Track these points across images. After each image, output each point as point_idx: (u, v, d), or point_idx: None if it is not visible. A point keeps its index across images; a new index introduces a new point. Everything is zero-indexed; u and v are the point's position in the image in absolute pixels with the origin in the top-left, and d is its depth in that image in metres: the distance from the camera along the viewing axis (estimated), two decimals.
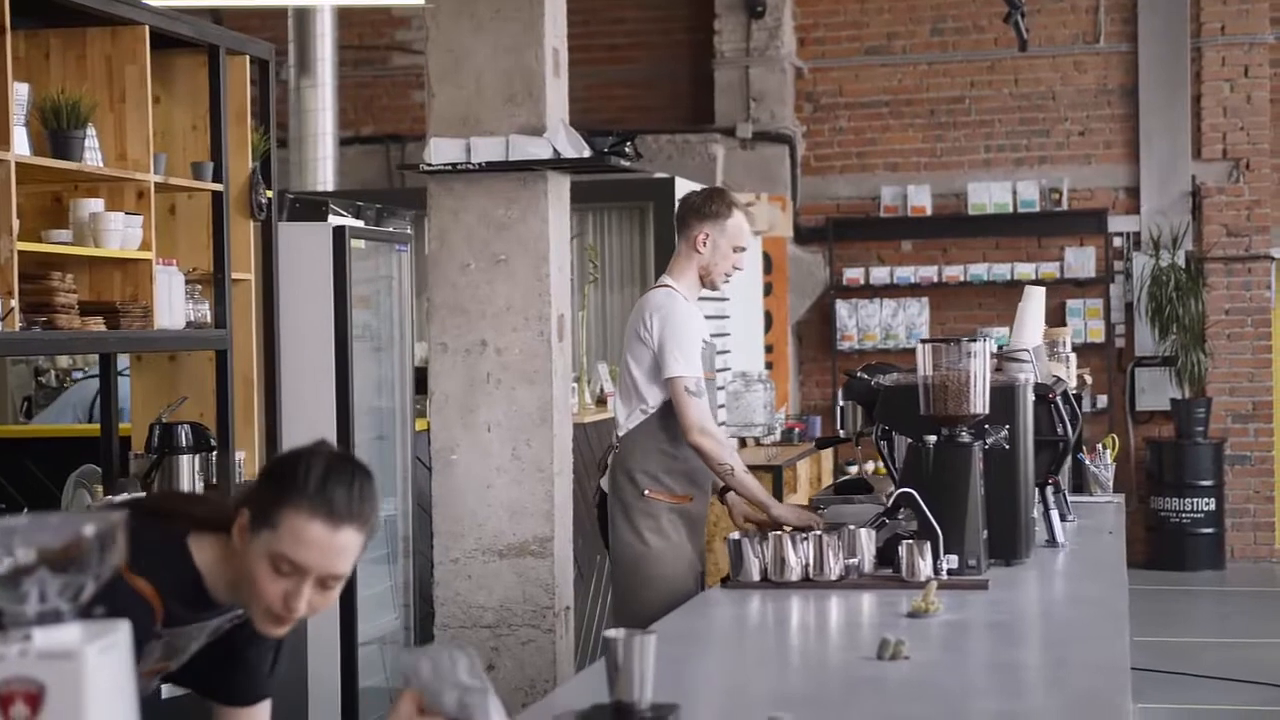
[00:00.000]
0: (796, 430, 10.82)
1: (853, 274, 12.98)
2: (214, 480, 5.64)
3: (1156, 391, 12.63)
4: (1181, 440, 12.38)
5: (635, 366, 5.29)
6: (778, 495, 8.89)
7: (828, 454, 11.10)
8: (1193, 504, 12.28)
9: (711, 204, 5.38)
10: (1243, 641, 9.96)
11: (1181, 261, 12.42)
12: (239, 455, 5.80)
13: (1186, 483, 12.30)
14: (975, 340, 4.38)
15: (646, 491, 5.25)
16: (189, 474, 5.43)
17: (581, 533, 6.67)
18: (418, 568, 6.92)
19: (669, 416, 5.22)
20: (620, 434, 5.37)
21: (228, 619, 2.80)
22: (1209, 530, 12.33)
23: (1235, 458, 12.61)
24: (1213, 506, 12.31)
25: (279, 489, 2.59)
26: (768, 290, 12.37)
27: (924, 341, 4.42)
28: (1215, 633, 10.47)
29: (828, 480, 10.98)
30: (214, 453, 5.62)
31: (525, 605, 5.92)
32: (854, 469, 12.18)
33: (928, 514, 4.23)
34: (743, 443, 10.36)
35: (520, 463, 6.04)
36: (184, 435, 5.43)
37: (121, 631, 1.76)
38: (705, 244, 5.34)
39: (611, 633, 2.71)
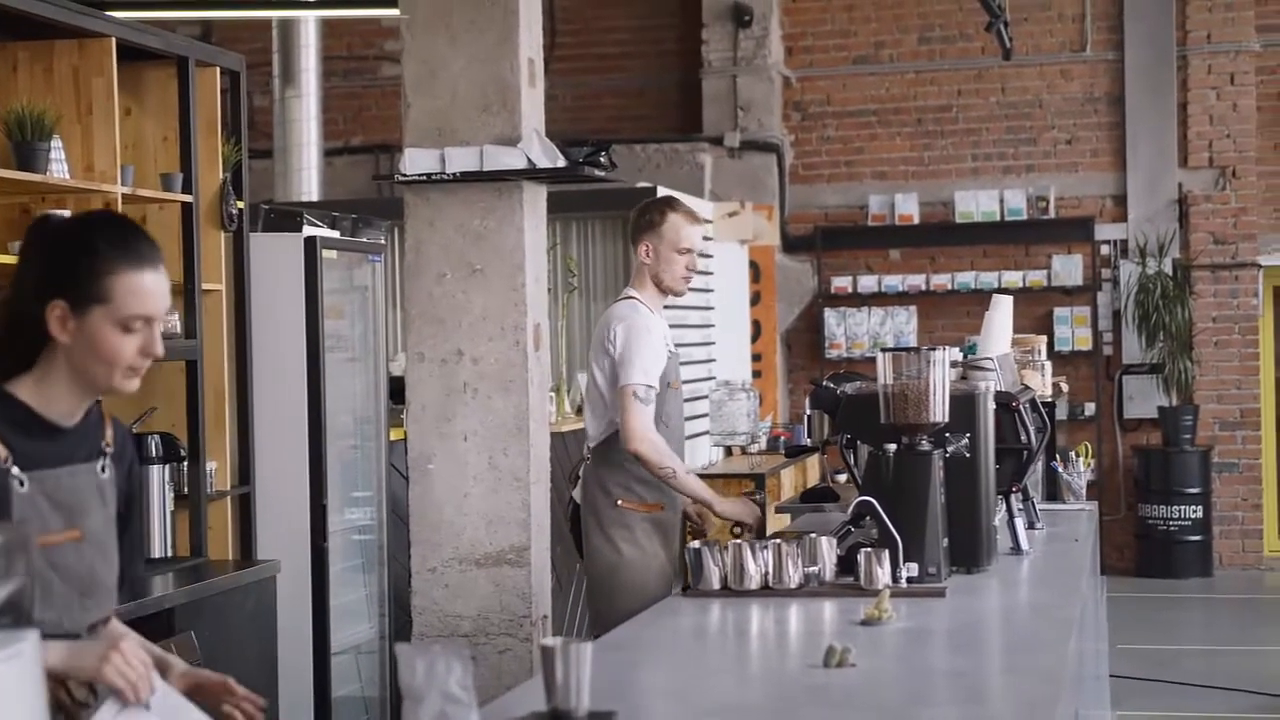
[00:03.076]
0: (783, 439, 10.82)
1: (841, 283, 13.00)
2: (185, 491, 5.66)
3: (1144, 399, 12.64)
4: (1169, 448, 12.38)
5: (601, 378, 5.40)
6: (760, 505, 8.89)
7: (814, 462, 11.10)
8: (1180, 511, 12.29)
9: (645, 215, 5.49)
10: (1230, 649, 9.97)
11: (1169, 269, 12.43)
12: (210, 466, 5.82)
13: (1174, 490, 12.30)
14: (935, 349, 4.39)
15: (620, 502, 5.31)
16: (159, 485, 5.44)
17: (559, 542, 6.68)
18: (393, 576, 6.93)
19: None
20: (591, 445, 5.43)
21: (88, 450, 2.83)
22: (1197, 538, 12.33)
23: (1223, 465, 12.61)
24: (1200, 514, 12.32)
25: (85, 270, 2.72)
26: (755, 299, 12.39)
27: (884, 350, 4.44)
28: (1202, 640, 10.48)
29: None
30: (184, 463, 5.63)
31: (502, 614, 5.93)
32: (842, 478, 12.17)
33: (887, 522, 4.25)
34: (728, 451, 10.37)
35: (497, 472, 6.05)
36: (154, 446, 5.44)
37: (28, 641, 1.78)
38: (650, 254, 5.44)
39: (548, 641, 2.74)
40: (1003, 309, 5.39)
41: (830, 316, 12.98)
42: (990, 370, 4.97)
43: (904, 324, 12.89)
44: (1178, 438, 12.34)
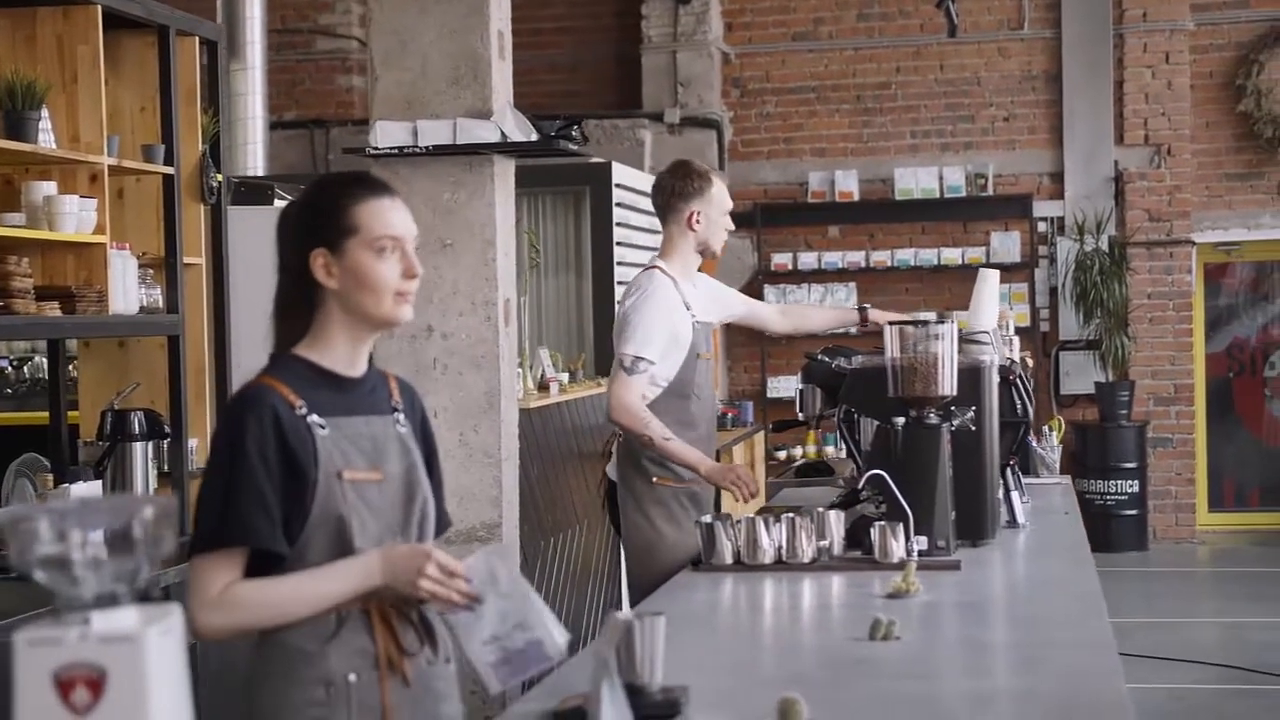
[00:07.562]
0: (730, 415, 10.84)
1: (781, 259, 13.02)
2: (167, 468, 5.56)
3: (1081, 375, 12.76)
4: (1105, 423, 12.51)
5: None
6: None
7: (760, 439, 11.14)
8: (1116, 486, 12.42)
9: (692, 182, 5.37)
10: (1167, 621, 10.10)
11: (1105, 246, 12.54)
12: (192, 442, 5.71)
13: (1110, 465, 12.43)
14: (942, 322, 4.39)
15: (655, 479, 5.25)
16: (142, 461, 5.34)
17: (527, 519, 6.64)
18: None
19: (671, 400, 5.20)
20: None
21: (379, 405, 2.94)
22: (1132, 512, 12.48)
23: (1157, 440, 12.76)
24: (1136, 488, 12.46)
25: (330, 211, 2.87)
26: None
27: (891, 324, 4.43)
28: (1140, 612, 10.60)
29: (762, 465, 11.02)
30: (167, 440, 5.53)
31: None
32: (783, 453, 12.22)
33: (898, 496, 4.24)
34: None
35: (468, 448, 6.01)
36: (137, 422, 5.34)
37: (175, 615, 1.73)
38: (698, 221, 5.35)
39: (622, 615, 2.71)
40: (990, 283, 5.40)
41: (770, 293, 12.99)
42: (987, 344, 4.98)
43: (844, 300, 12.92)
44: (1114, 413, 12.47)
